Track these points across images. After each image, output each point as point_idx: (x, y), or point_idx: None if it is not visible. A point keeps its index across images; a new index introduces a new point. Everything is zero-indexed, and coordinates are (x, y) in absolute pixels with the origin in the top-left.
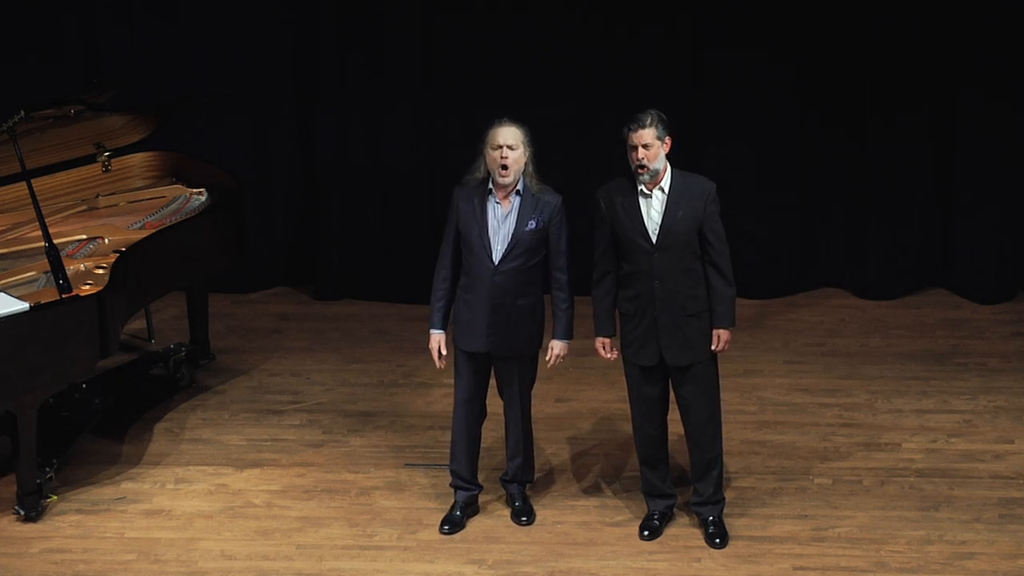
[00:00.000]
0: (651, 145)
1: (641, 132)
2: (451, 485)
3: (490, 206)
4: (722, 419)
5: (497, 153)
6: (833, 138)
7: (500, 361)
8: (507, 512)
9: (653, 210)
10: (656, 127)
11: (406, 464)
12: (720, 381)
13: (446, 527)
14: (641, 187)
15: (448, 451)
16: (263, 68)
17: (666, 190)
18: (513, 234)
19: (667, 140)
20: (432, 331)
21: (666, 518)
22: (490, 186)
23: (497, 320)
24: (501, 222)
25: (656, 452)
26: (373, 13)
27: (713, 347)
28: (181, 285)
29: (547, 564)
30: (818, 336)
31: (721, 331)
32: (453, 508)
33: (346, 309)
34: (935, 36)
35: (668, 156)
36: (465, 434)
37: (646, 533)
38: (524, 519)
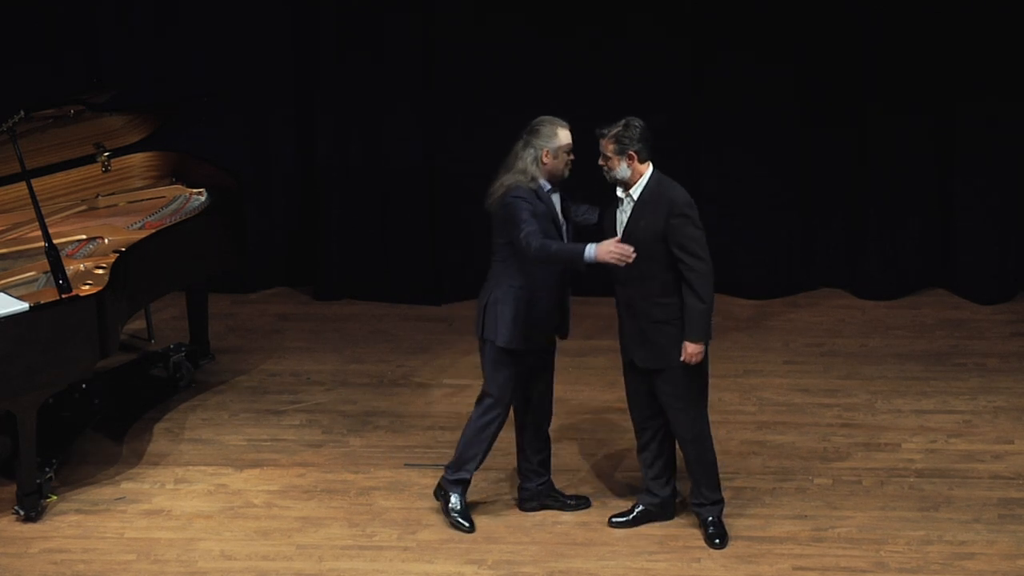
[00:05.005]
0: (608, 157)
1: (602, 141)
2: (461, 488)
3: (553, 202)
4: (706, 423)
5: (570, 156)
6: (833, 138)
7: (547, 352)
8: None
9: (624, 215)
10: (614, 142)
11: (406, 464)
12: (703, 383)
13: (468, 524)
14: (619, 192)
15: (453, 454)
16: (263, 68)
17: (635, 197)
18: (567, 222)
19: (631, 154)
20: (592, 247)
21: (647, 515)
22: (548, 186)
23: (563, 307)
24: (561, 216)
25: (641, 444)
26: (373, 13)
27: (681, 358)
28: (181, 285)
29: (547, 564)
30: (818, 336)
31: (688, 343)
32: (465, 504)
33: (346, 309)
34: (936, 37)
35: (666, 160)
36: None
37: (613, 520)
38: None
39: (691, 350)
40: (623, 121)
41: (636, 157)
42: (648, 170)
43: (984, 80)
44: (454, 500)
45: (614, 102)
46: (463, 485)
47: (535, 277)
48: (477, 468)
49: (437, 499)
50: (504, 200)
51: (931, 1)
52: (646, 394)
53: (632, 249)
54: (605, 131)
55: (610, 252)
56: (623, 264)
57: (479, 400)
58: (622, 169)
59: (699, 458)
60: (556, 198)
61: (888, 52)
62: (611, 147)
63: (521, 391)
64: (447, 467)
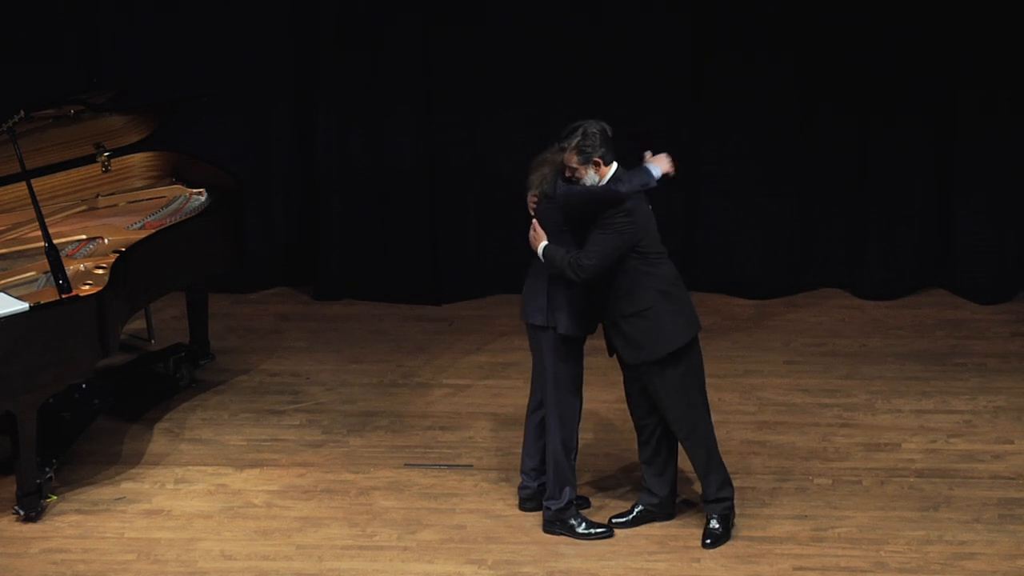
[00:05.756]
0: (575, 168)
1: (565, 155)
2: (574, 510)
3: None
4: (701, 417)
5: None
6: (833, 138)
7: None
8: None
9: None
10: (577, 153)
11: (406, 464)
12: (693, 377)
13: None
14: None
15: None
16: (263, 68)
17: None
18: None
19: (596, 160)
20: (654, 168)
21: (647, 515)
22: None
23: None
24: None
25: (641, 441)
26: (373, 13)
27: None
28: (181, 285)
29: (547, 564)
30: (818, 336)
31: (543, 237)
32: (587, 519)
33: (346, 309)
34: (935, 36)
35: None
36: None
37: (613, 520)
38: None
39: (537, 234)
40: (579, 130)
41: (602, 162)
42: (611, 171)
43: (984, 80)
44: (576, 524)
45: (615, 101)
46: (573, 506)
47: None
48: (576, 479)
49: (555, 534)
50: (580, 194)
51: (931, 1)
52: (640, 392)
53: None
54: (565, 144)
55: (668, 162)
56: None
57: (545, 419)
58: (590, 177)
59: (696, 454)
60: None
61: (888, 51)
62: (575, 159)
63: (542, 389)
64: (547, 499)
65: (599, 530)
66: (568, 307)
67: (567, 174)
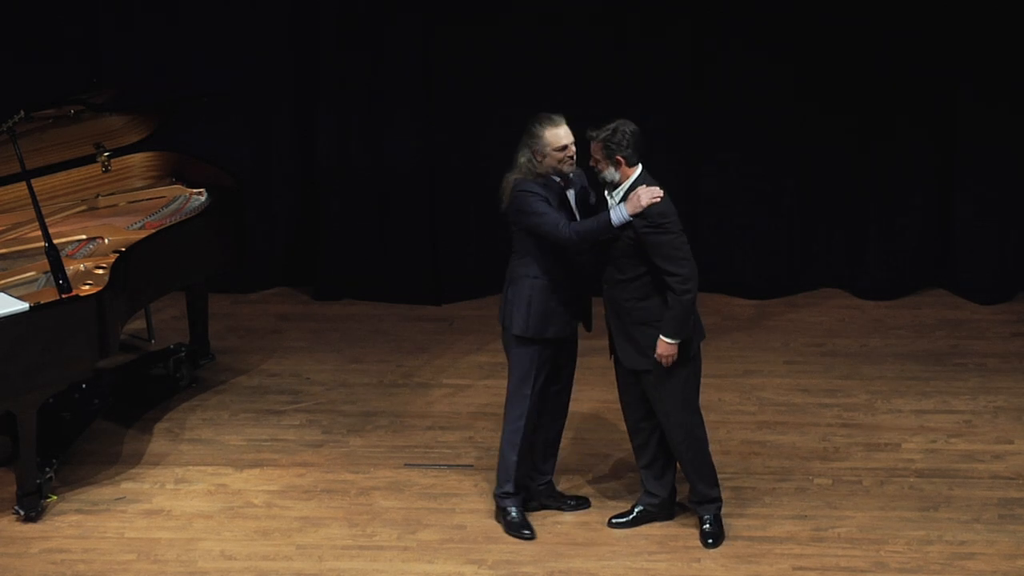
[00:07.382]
0: (598, 160)
1: (592, 145)
2: (511, 500)
3: (568, 196)
4: (697, 422)
5: (564, 153)
6: (833, 138)
7: (568, 348)
8: None
9: None
10: (602, 146)
11: (407, 464)
12: (692, 383)
13: (528, 532)
14: (605, 193)
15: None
16: (263, 68)
17: (617, 200)
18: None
19: (619, 159)
20: (617, 210)
21: (647, 515)
22: (557, 179)
23: (583, 298)
24: (576, 208)
25: (637, 445)
26: (373, 13)
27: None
28: (181, 285)
29: (547, 564)
30: (818, 336)
31: (661, 338)
32: (522, 514)
33: (346, 309)
34: (935, 36)
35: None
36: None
37: (613, 521)
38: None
39: (661, 349)
40: (613, 125)
41: (624, 162)
42: (635, 173)
43: (984, 80)
44: (509, 511)
45: (615, 101)
46: (511, 497)
47: (551, 267)
48: (520, 471)
49: (497, 520)
50: (513, 195)
51: (932, 1)
52: (638, 396)
53: (658, 188)
54: (594, 134)
55: (640, 200)
56: (658, 200)
57: (506, 402)
58: (610, 172)
59: (691, 458)
60: (571, 194)
61: (888, 51)
62: (601, 150)
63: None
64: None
65: (525, 531)
66: (523, 309)
67: (590, 163)
